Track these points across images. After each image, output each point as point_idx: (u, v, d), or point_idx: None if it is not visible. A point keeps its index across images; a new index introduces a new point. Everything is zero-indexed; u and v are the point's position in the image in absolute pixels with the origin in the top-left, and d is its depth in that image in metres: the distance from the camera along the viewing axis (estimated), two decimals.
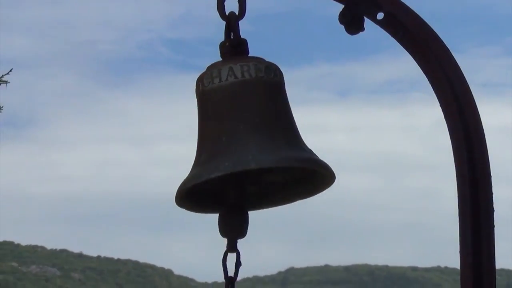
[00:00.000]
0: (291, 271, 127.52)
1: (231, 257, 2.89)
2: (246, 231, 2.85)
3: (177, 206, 2.88)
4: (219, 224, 2.85)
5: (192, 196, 2.85)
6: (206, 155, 2.82)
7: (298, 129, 2.90)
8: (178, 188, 2.80)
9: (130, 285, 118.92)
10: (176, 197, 2.81)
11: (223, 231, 2.88)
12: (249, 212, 2.93)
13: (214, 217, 2.92)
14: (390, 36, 2.97)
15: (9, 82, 5.33)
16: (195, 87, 2.93)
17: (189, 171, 2.88)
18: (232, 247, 2.85)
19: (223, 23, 2.94)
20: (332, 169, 2.76)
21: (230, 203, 2.93)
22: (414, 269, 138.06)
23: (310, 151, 2.78)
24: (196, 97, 2.96)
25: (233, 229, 2.89)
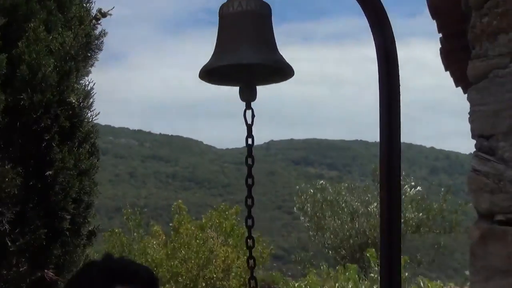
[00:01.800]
0: (271, 143, 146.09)
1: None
2: (255, 97, 3.80)
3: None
4: (240, 94, 3.82)
5: (210, 74, 3.83)
6: (218, 53, 3.76)
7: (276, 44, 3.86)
8: (200, 70, 3.75)
9: (180, 151, 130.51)
10: (199, 74, 3.77)
11: (242, 98, 3.81)
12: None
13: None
14: None
15: (111, 15, 5.49)
16: (218, 11, 3.78)
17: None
18: (248, 106, 3.78)
19: None
20: (293, 68, 3.82)
21: (243, 80, 3.86)
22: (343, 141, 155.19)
23: (282, 57, 3.79)
24: (218, 18, 3.80)
25: (248, 97, 3.78)
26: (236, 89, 3.87)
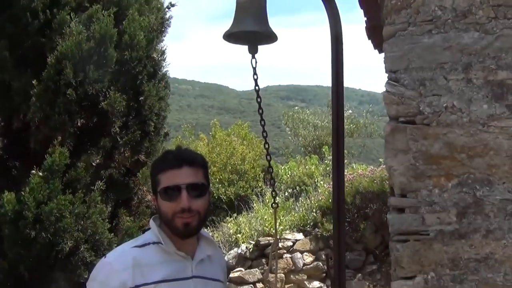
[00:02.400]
0: (268, 87, 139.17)
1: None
2: (257, 51, 3.78)
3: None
4: (248, 49, 3.78)
5: (229, 37, 3.70)
6: (234, 24, 3.63)
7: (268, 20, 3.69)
8: (223, 34, 3.65)
9: (215, 92, 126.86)
10: (222, 36, 3.66)
11: (249, 52, 3.78)
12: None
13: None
14: None
15: (176, 5, 5.52)
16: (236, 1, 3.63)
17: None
18: (253, 56, 3.72)
19: None
20: (277, 35, 3.73)
21: (249, 41, 3.77)
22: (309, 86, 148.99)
23: (271, 28, 3.66)
24: (235, 4, 3.62)
25: (253, 51, 3.79)
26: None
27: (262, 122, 4.14)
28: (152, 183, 2.43)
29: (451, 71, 2.67)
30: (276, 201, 4.15)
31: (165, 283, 2.28)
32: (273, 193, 4.24)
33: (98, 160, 5.19)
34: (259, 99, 4.03)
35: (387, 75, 2.81)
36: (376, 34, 5.05)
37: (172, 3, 5.74)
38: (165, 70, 5.57)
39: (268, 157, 4.34)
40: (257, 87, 3.98)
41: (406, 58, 2.75)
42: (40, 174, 4.56)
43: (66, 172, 4.64)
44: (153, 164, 2.61)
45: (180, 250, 2.35)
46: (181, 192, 2.30)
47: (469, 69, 2.65)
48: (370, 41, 5.68)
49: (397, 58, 2.77)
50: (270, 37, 3.96)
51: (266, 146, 4.24)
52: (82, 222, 4.62)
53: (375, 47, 5.73)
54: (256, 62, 3.98)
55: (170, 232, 2.35)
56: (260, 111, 4.04)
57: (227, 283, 10.01)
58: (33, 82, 4.67)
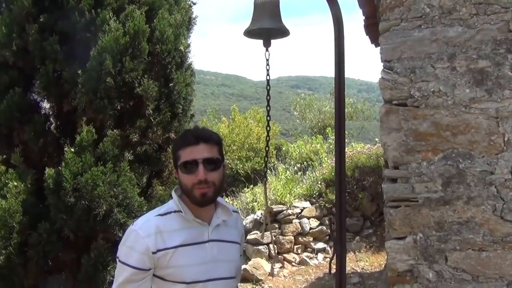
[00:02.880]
0: (279, 77, 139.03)
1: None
2: (270, 45, 3.63)
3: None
4: (263, 43, 3.66)
5: (248, 33, 3.57)
6: (252, 22, 3.52)
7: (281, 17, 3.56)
8: (244, 31, 3.57)
9: (235, 81, 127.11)
10: (243, 33, 3.56)
11: (264, 44, 3.63)
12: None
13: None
14: None
15: (197, 3, 5.49)
16: (253, 3, 3.54)
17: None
18: (266, 49, 3.56)
19: None
20: (289, 31, 3.58)
21: (264, 36, 3.62)
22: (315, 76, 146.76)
23: (284, 24, 3.51)
24: (253, 5, 3.53)
25: (266, 45, 3.60)
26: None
27: (268, 108, 4.13)
28: (173, 158, 2.43)
29: (438, 61, 2.65)
30: (267, 177, 4.17)
31: (184, 247, 2.30)
32: (265, 169, 4.28)
33: (135, 138, 5.21)
34: (268, 87, 4.02)
35: (382, 64, 2.79)
36: (373, 31, 5.01)
37: (194, 1, 5.74)
38: (190, 60, 5.54)
39: (268, 138, 4.34)
40: (268, 77, 3.96)
41: (399, 50, 2.73)
42: (72, 150, 4.60)
43: (96, 147, 4.68)
44: (174, 141, 2.63)
45: (197, 217, 2.37)
46: (198, 166, 2.31)
47: (453, 58, 2.63)
48: (368, 37, 5.64)
49: (391, 49, 2.75)
50: (284, 32, 3.92)
51: (268, 128, 4.23)
52: (114, 189, 4.64)
53: (372, 42, 5.68)
54: (269, 55, 3.96)
55: (190, 201, 2.37)
56: (268, 97, 4.03)
57: (245, 243, 10.12)
58: (79, 71, 4.68)
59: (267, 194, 11.66)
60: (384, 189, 2.76)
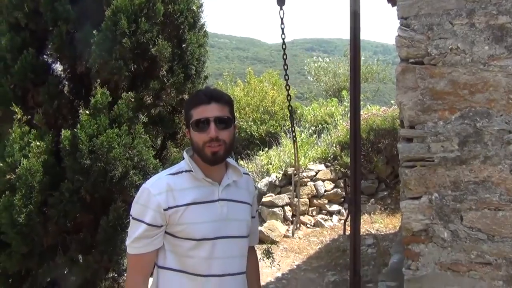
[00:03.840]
0: (294, 40, 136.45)
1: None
2: (284, 3, 3.58)
3: None
4: (277, 1, 3.30)
5: None
6: None
7: None
8: None
9: (249, 44, 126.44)
10: None
11: (278, 2, 3.60)
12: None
13: None
14: None
15: None
16: None
17: None
18: (281, 8, 3.53)
19: None
20: None
21: None
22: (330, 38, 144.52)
23: None
24: None
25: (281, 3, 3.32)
26: None
27: (285, 67, 4.08)
28: (185, 117, 2.45)
29: (456, 17, 2.59)
30: (295, 136, 4.16)
31: (194, 205, 2.33)
32: (292, 130, 4.25)
33: (149, 100, 5.19)
34: (284, 46, 3.96)
35: (399, 21, 2.73)
36: None
37: None
38: (203, 21, 5.47)
39: (289, 97, 4.31)
40: (283, 35, 3.90)
41: (416, 6, 2.67)
42: (87, 112, 4.60)
43: (111, 109, 4.67)
44: (187, 101, 2.66)
45: (208, 177, 2.39)
46: (209, 124, 2.33)
47: (472, 14, 2.56)
48: None
49: (408, 6, 2.69)
50: None
51: (287, 87, 4.19)
52: (129, 151, 4.66)
53: (388, 1, 5.56)
54: (283, 13, 3.89)
55: (201, 160, 2.39)
56: (285, 56, 3.98)
57: (260, 206, 10.18)
58: (93, 32, 4.64)
59: (285, 156, 11.68)
60: (400, 148, 2.73)
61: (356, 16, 3.25)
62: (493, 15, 2.52)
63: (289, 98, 4.40)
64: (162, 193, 2.31)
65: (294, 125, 15.32)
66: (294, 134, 4.57)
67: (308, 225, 10.39)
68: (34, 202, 4.49)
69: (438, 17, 2.62)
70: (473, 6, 2.56)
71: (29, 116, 4.73)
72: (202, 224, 2.32)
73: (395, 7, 2.76)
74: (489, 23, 2.53)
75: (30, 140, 4.61)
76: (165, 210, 2.30)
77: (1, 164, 4.57)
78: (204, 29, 5.52)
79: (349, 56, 3.48)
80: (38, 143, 4.59)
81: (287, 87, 4.26)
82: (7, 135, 4.70)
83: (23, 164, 4.48)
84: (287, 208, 10.44)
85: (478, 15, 2.55)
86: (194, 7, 5.22)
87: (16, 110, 4.63)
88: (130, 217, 2.37)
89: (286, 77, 4.15)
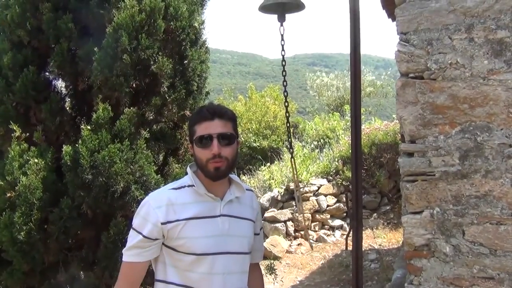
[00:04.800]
0: (296, 55, 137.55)
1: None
2: (285, 19, 3.68)
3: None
4: (277, 17, 3.33)
5: (263, 8, 3.66)
6: None
7: None
8: (259, 6, 3.58)
9: (251, 59, 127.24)
10: (258, 8, 3.61)
11: (278, 18, 3.63)
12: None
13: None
14: None
15: None
16: None
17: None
18: (281, 24, 3.64)
19: None
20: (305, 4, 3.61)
21: (279, 11, 3.69)
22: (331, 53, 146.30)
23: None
24: None
25: (281, 20, 3.48)
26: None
27: (285, 83, 4.12)
28: (189, 133, 2.48)
29: (455, 32, 2.61)
30: (294, 152, 4.19)
31: (195, 220, 2.35)
32: (289, 145, 4.28)
33: (151, 116, 5.21)
34: (284, 62, 3.99)
35: (398, 36, 2.75)
36: (390, 5, 4.94)
37: None
38: (205, 37, 5.51)
39: (287, 114, 4.33)
40: (283, 52, 3.93)
41: (415, 21, 2.69)
42: (89, 127, 4.62)
43: (113, 125, 4.69)
44: (191, 116, 2.70)
45: (210, 192, 2.42)
46: (212, 140, 2.35)
47: (471, 29, 2.58)
48: (384, 10, 5.55)
49: (407, 21, 2.71)
50: (299, 6, 3.88)
51: (286, 104, 4.22)
52: (131, 166, 4.67)
53: (388, 16, 5.59)
54: (284, 30, 3.92)
55: (204, 175, 2.41)
56: (284, 72, 4.01)
57: (262, 221, 10.16)
58: (95, 49, 4.67)
59: (287, 171, 11.67)
60: (401, 163, 2.74)
61: (356, 15, 3.26)
62: (492, 30, 2.54)
63: (287, 114, 4.42)
64: (162, 206, 2.34)
65: (296, 140, 15.25)
66: (292, 150, 4.59)
67: (311, 240, 10.36)
68: (34, 219, 4.49)
69: (437, 32, 2.64)
70: (472, 21, 2.57)
71: (27, 134, 4.75)
72: (202, 239, 2.33)
73: (395, 22, 2.78)
74: (488, 37, 2.54)
75: (28, 158, 4.62)
76: (162, 224, 2.32)
77: (1, 182, 4.58)
78: (206, 45, 5.56)
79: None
80: (36, 160, 4.60)
81: (286, 104, 4.28)
82: (8, 153, 4.71)
83: (22, 181, 4.49)
84: (290, 223, 10.42)
85: (477, 30, 2.56)
86: (196, 24, 5.26)
87: (15, 128, 4.65)
88: (132, 228, 2.42)
89: (285, 93, 4.18)
